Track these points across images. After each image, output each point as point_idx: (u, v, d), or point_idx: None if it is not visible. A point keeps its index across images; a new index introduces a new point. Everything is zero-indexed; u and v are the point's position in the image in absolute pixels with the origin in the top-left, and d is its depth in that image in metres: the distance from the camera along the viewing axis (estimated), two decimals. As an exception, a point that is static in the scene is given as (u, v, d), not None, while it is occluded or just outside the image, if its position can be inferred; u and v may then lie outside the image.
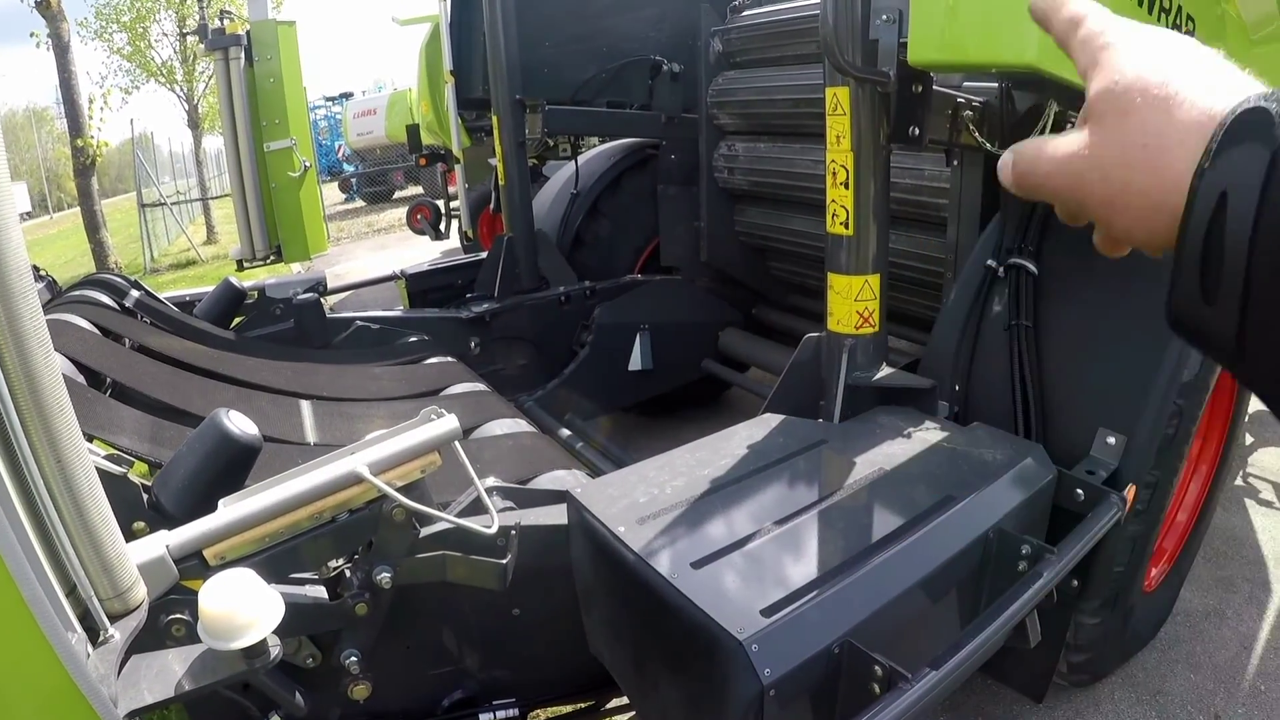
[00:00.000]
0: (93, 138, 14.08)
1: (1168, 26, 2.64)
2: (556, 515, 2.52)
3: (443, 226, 13.42)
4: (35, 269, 3.64)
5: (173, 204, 22.57)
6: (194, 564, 1.88)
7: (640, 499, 2.40)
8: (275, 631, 1.70)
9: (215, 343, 4.18)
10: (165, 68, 23.58)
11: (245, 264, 6.37)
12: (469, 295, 5.45)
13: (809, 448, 2.79)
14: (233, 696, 2.17)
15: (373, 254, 16.75)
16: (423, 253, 14.62)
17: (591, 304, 5.55)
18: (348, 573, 2.18)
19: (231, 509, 1.94)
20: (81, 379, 3.22)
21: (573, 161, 6.15)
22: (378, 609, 2.20)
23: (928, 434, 2.89)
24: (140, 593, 1.66)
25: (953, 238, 3.85)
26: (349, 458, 2.06)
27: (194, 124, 24.25)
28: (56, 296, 4.10)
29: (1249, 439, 5.99)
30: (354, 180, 28.82)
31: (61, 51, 13.43)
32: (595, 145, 7.11)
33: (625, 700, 2.88)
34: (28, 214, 60.24)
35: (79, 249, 21.27)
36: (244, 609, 1.62)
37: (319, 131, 32.08)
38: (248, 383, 3.76)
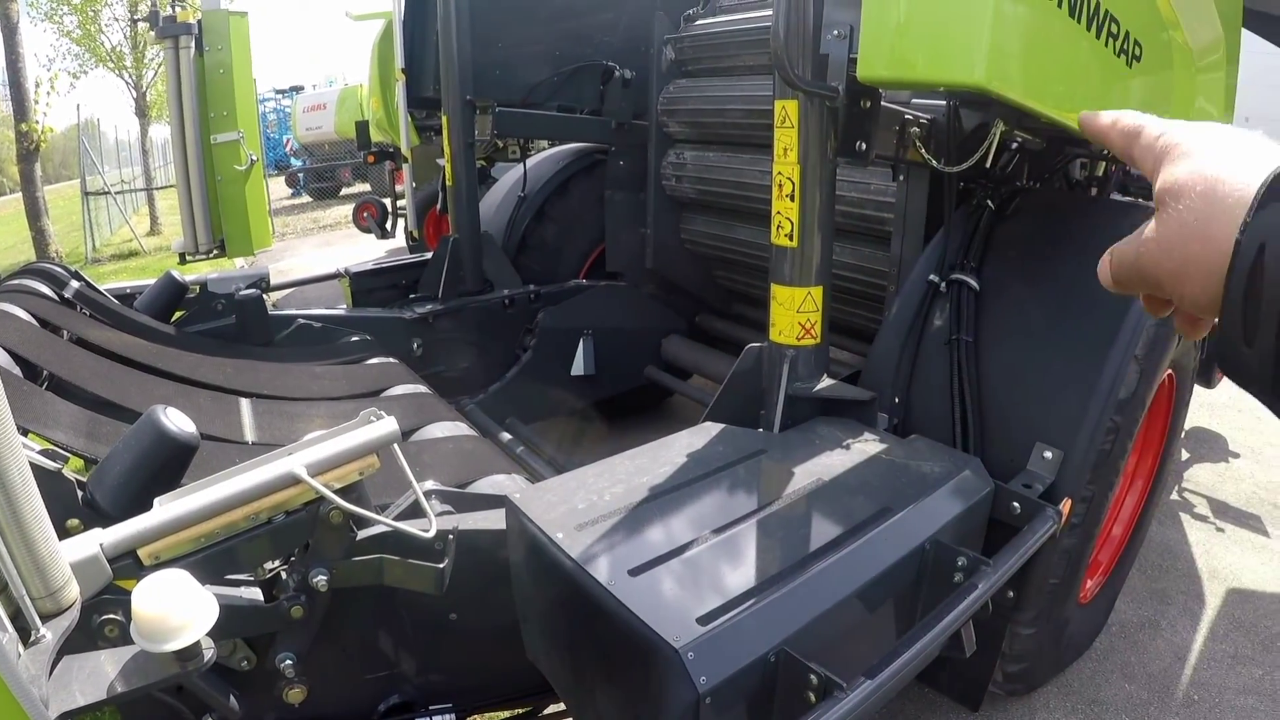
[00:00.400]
0: (38, 122, 13.88)
1: (1114, 53, 2.68)
2: (495, 520, 2.51)
3: (389, 225, 13.33)
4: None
5: (117, 193, 22.25)
6: (128, 563, 1.85)
7: (579, 505, 2.39)
8: (209, 634, 1.67)
9: (155, 337, 4.12)
10: (115, 53, 23.17)
11: (188, 257, 6.29)
12: (413, 296, 5.42)
13: (748, 457, 2.80)
14: (166, 699, 2.15)
15: (317, 251, 16.61)
16: (368, 251, 14.51)
17: (535, 308, 5.54)
18: (284, 575, 2.16)
19: (167, 508, 1.92)
20: (18, 371, 3.16)
21: (521, 164, 6.14)
22: (314, 612, 2.18)
23: (867, 445, 2.91)
24: (73, 592, 1.63)
25: (896, 252, 3.90)
26: (287, 459, 2.04)
27: (141, 112, 23.94)
28: (-6, 285, 4.04)
29: (1184, 455, 6.11)
30: (301, 175, 28.51)
31: (10, 33, 13.24)
32: (544, 148, 7.11)
33: (562, 706, 2.87)
34: (-34, 198, 59.13)
35: (19, 236, 20.82)
36: (178, 611, 1.60)
37: (267, 125, 31.72)
38: (187, 379, 3.71)
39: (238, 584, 2.11)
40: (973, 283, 3.19)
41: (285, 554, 2.16)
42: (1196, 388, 4.19)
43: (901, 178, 3.78)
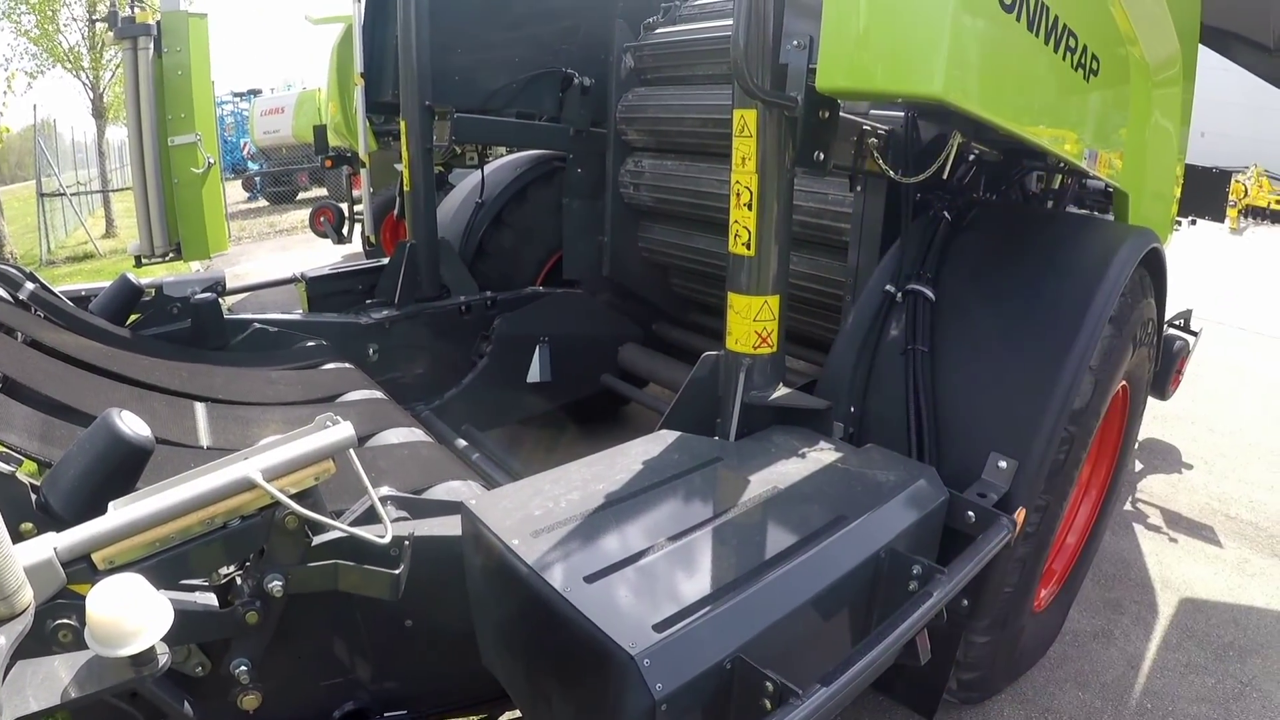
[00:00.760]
0: (-7, 122, 13.71)
1: (1072, 66, 2.71)
2: (451, 526, 2.50)
3: (345, 230, 13.29)
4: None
5: (73, 194, 22.01)
6: (82, 568, 1.83)
7: (535, 512, 2.39)
8: (164, 639, 1.67)
9: (110, 340, 4.07)
10: (72, 53, 22.91)
11: (144, 260, 6.22)
12: (369, 301, 5.38)
13: (704, 465, 2.81)
14: (120, 704, 2.12)
15: (274, 255, 16.51)
16: (325, 255, 14.43)
17: (492, 314, 5.53)
18: (239, 580, 2.14)
19: (121, 512, 1.90)
20: (-28, 374, 3.13)
21: (479, 170, 6.13)
22: (269, 618, 2.16)
23: (822, 454, 2.92)
24: (26, 596, 1.61)
25: (853, 262, 3.92)
26: (242, 463, 2.02)
27: (99, 113, 23.64)
28: (-53, 286, 3.98)
29: (1138, 465, 6.18)
30: (258, 179, 28.35)
31: (-34, 32, 13.07)
32: (503, 155, 7.10)
33: (518, 713, 2.86)
34: (-84, 199, 58.28)
35: (-26, 237, 20.68)
36: (132, 616, 1.59)
37: (225, 127, 31.53)
38: (142, 382, 3.67)
39: (193, 589, 2.09)
40: (929, 293, 3.21)
41: (240, 559, 2.15)
42: (1150, 399, 4.23)
43: (859, 188, 3.81)
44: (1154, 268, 3.52)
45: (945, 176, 3.13)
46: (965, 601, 2.97)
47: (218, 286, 4.76)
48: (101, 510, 1.93)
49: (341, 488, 2.39)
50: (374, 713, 2.60)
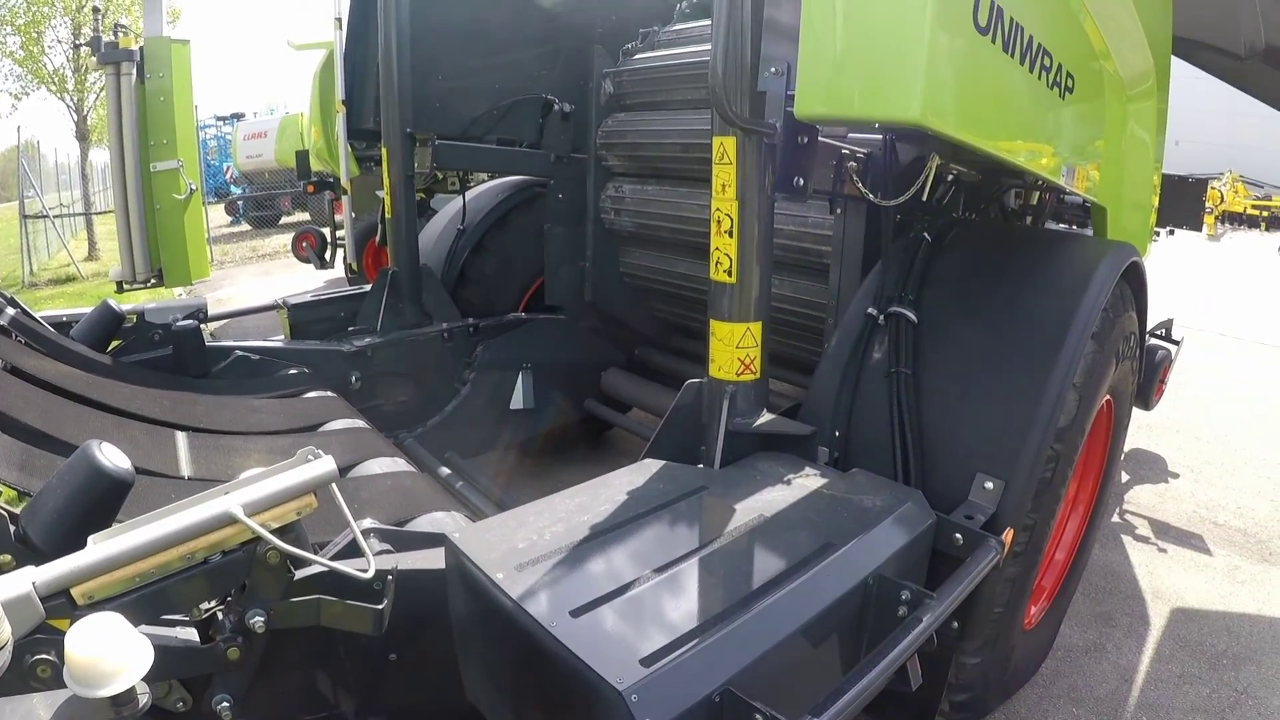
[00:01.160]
0: (-23, 142, 13.67)
1: (1047, 85, 2.72)
2: (434, 559, 2.49)
3: (328, 256, 13.26)
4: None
5: (56, 217, 21.92)
6: (61, 603, 1.81)
7: (519, 544, 2.37)
8: (144, 677, 1.65)
9: (92, 367, 4.05)
10: (57, 75, 22.93)
11: (125, 286, 6.20)
12: (351, 328, 5.37)
13: (689, 494, 2.79)
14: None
15: (256, 280, 16.45)
16: (307, 281, 14.41)
17: (475, 341, 5.53)
18: (220, 615, 2.12)
19: (101, 546, 1.88)
20: (-51, 400, 3.11)
21: (461, 196, 6.14)
22: (251, 653, 2.14)
23: (808, 480, 2.92)
24: (4, 631, 1.60)
25: (835, 285, 3.92)
26: (223, 498, 2.01)
27: (82, 136, 23.62)
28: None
29: (1125, 476, 6.19)
30: (240, 203, 28.30)
31: (-49, 52, 13.06)
32: (484, 181, 7.10)
33: (503, 747, 2.84)
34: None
35: (-44, 258, 20.64)
36: (111, 657, 1.58)
37: (207, 151, 31.53)
38: (123, 411, 3.65)
39: (173, 624, 2.07)
40: (911, 315, 3.21)
41: (222, 594, 2.13)
42: (1135, 410, 4.24)
43: (839, 211, 3.81)
44: (1134, 281, 3.53)
45: (925, 197, 3.14)
46: (955, 624, 2.96)
47: (200, 313, 4.75)
48: (81, 543, 1.92)
49: (324, 519, 2.36)
50: (358, 747, 2.58)
